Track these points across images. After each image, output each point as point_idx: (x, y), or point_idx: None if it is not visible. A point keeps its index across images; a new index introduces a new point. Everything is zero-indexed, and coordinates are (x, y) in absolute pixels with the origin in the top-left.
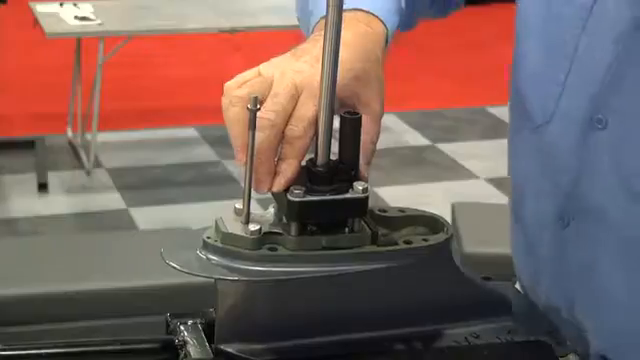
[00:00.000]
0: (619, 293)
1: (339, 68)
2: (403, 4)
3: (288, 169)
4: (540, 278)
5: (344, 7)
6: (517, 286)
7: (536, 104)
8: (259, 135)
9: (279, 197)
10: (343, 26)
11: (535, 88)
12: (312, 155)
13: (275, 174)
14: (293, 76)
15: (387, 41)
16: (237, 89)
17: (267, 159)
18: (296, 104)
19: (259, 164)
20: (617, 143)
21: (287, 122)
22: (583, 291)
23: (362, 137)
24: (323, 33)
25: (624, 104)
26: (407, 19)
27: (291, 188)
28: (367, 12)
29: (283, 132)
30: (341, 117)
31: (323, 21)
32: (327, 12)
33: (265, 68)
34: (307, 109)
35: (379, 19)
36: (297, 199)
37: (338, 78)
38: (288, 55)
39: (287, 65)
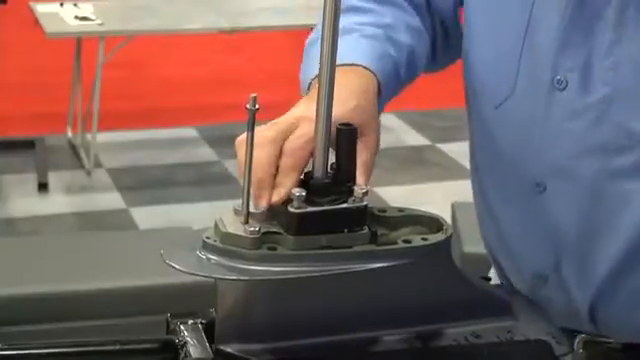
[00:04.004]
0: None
1: (336, 103)
2: (401, 72)
3: (287, 182)
4: (525, 244)
5: (339, 62)
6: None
7: (495, 83)
8: (258, 151)
9: (278, 209)
10: (337, 75)
11: (492, 67)
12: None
13: (274, 187)
14: (291, 113)
15: (380, 91)
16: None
17: (266, 175)
18: (295, 130)
19: (258, 180)
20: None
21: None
22: (568, 250)
23: (360, 159)
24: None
25: (578, 63)
26: (397, 87)
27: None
28: (358, 65)
29: (282, 149)
30: (337, 129)
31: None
32: (322, 38)
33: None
34: (306, 127)
35: (369, 70)
36: (296, 210)
37: (337, 111)
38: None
39: (285, 113)
